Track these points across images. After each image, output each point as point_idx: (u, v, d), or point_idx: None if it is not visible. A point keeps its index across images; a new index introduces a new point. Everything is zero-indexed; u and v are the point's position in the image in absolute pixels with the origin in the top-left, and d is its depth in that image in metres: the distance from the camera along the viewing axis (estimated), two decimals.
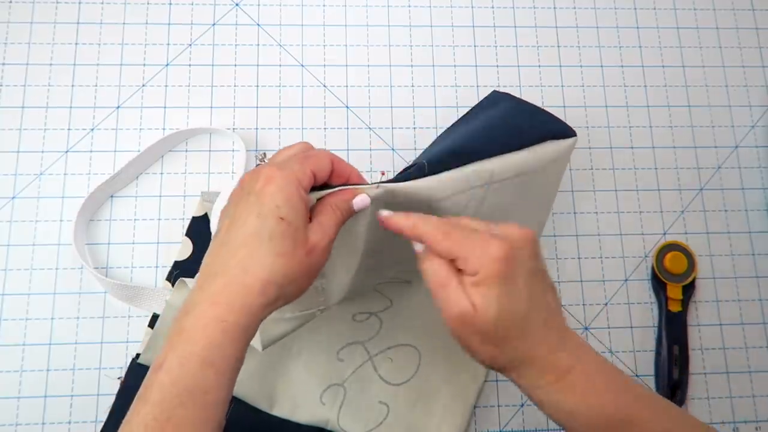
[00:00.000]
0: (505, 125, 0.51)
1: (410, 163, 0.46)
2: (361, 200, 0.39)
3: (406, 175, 0.43)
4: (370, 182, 0.41)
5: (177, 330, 0.34)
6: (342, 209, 0.38)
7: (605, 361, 0.38)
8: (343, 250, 0.42)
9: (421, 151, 0.62)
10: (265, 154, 0.41)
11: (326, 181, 0.39)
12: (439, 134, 0.63)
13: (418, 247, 0.38)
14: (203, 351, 0.33)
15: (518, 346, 0.36)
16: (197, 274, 0.50)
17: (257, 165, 0.41)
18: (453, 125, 0.57)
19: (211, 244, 0.37)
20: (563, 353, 0.36)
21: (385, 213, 0.39)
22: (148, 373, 0.34)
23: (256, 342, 0.43)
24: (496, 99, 0.56)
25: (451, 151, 0.46)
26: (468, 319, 0.35)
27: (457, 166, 0.45)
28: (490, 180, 0.47)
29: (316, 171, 0.37)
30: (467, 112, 0.57)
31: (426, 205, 0.44)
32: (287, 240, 0.35)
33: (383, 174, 0.43)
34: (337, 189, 0.39)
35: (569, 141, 0.53)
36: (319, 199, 0.38)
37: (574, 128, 0.54)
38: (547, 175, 0.53)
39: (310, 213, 0.38)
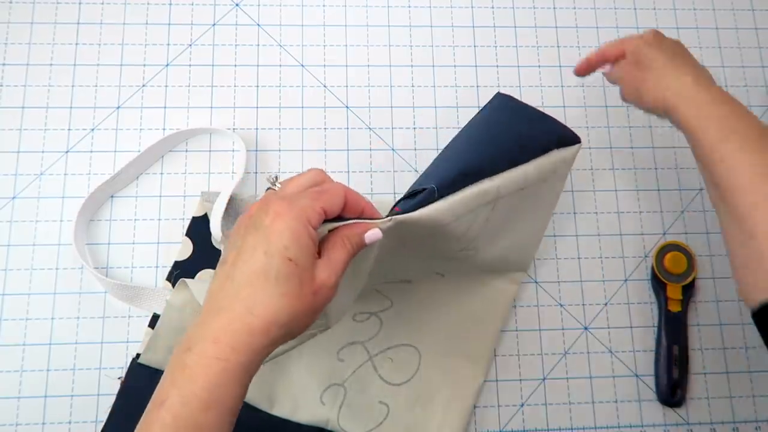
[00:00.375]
0: (512, 138, 0.50)
1: (419, 186, 0.45)
2: (373, 234, 0.39)
3: (417, 201, 0.43)
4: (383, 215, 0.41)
5: (179, 365, 0.34)
6: (353, 243, 0.38)
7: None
8: (348, 280, 0.42)
9: (422, 150, 0.63)
10: (277, 177, 0.40)
11: (338, 215, 0.38)
12: (438, 134, 0.63)
13: (606, 69, 0.56)
14: (204, 391, 0.33)
15: (668, 68, 0.49)
16: (197, 277, 0.49)
17: (267, 189, 0.40)
18: (458, 135, 0.56)
19: (217, 273, 0.37)
20: (709, 79, 0.49)
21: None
22: (149, 407, 0.34)
23: None
24: (501, 104, 0.55)
25: (459, 171, 0.46)
26: (636, 52, 0.52)
27: (466, 186, 0.45)
28: (497, 196, 0.47)
29: (327, 208, 0.36)
30: (472, 119, 0.56)
31: (436, 229, 0.44)
32: (294, 280, 0.34)
33: (397, 210, 0.43)
34: (350, 222, 0.38)
35: (574, 148, 0.53)
36: (330, 230, 0.38)
37: (574, 128, 0.54)
38: (551, 183, 0.53)
39: (320, 246, 0.37)
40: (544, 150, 0.50)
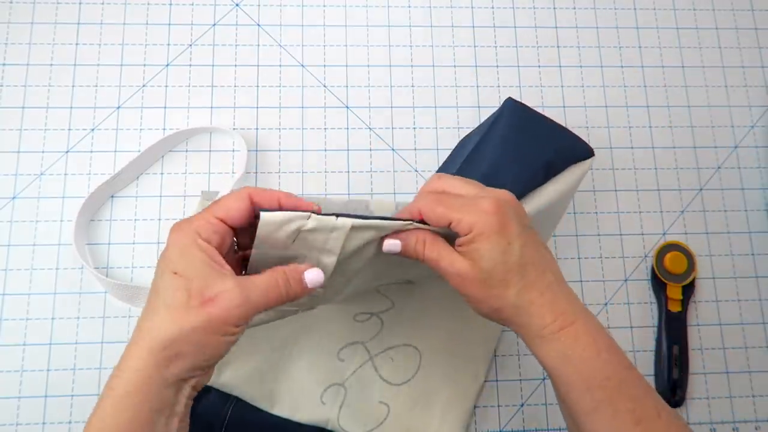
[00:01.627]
0: (536, 161, 0.50)
1: None
2: (315, 274, 0.37)
3: None
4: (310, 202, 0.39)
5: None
6: (290, 281, 0.36)
7: (601, 325, 0.39)
8: (336, 276, 0.41)
9: (422, 150, 0.63)
10: None
11: (251, 215, 0.37)
12: (438, 134, 0.63)
13: (394, 247, 0.40)
14: (96, 420, 0.33)
15: (520, 292, 0.38)
16: None
17: None
18: (475, 150, 0.55)
19: None
20: (566, 305, 0.38)
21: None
22: None
23: None
24: (517, 116, 0.54)
25: None
26: (468, 274, 0.38)
27: None
28: None
29: (222, 215, 0.35)
30: (487, 130, 0.55)
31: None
32: (179, 292, 0.33)
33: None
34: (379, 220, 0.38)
35: (587, 163, 0.53)
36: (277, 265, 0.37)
37: (574, 129, 0.54)
38: (566, 198, 0.53)
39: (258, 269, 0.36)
40: (564, 166, 0.51)
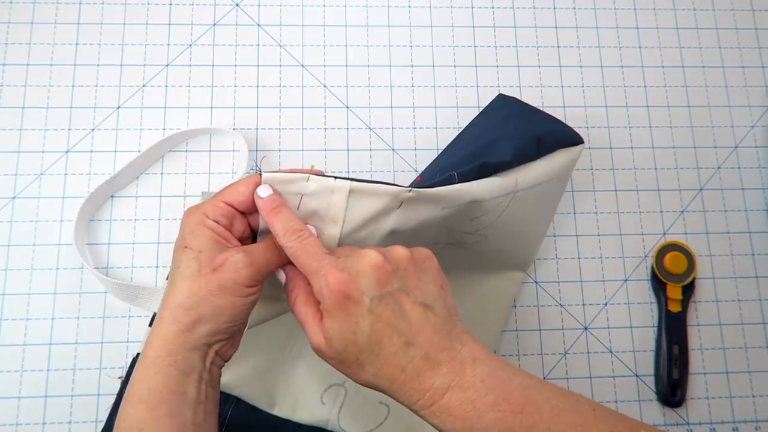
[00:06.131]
0: (525, 135, 0.52)
1: (436, 179, 0.45)
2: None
3: (438, 182, 0.44)
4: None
5: None
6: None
7: (502, 368, 0.34)
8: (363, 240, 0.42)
9: (422, 150, 0.63)
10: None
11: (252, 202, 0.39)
12: (438, 134, 0.63)
13: (281, 276, 0.40)
14: (132, 387, 0.36)
15: (377, 372, 0.35)
16: None
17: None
18: (464, 134, 0.57)
19: None
20: (436, 373, 0.34)
21: (264, 192, 0.38)
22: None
23: None
24: (507, 105, 0.56)
25: (478, 163, 0.47)
26: (324, 352, 0.36)
27: (485, 177, 0.47)
28: (515, 189, 0.48)
29: (230, 199, 0.38)
30: (476, 119, 0.57)
31: (456, 207, 0.45)
32: (191, 263, 0.36)
33: (419, 179, 0.43)
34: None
35: (578, 148, 0.54)
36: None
37: (574, 128, 0.55)
38: (557, 184, 0.53)
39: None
40: (554, 148, 0.52)
